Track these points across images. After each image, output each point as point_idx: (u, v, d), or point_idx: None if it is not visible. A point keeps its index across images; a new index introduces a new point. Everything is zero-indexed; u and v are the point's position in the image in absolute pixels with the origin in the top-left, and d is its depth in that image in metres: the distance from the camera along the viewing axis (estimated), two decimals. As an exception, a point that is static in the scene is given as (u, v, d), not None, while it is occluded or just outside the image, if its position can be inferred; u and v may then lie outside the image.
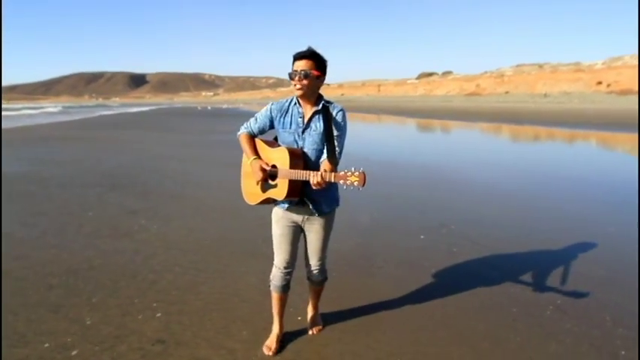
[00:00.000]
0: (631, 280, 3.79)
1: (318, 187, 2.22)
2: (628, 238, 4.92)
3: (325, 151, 2.37)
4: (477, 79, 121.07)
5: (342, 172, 2.15)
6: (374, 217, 5.84)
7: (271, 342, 2.73)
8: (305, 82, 2.34)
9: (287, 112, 2.50)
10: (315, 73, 2.37)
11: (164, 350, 2.70)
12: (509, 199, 7.06)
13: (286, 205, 2.56)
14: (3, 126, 22.54)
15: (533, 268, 4.07)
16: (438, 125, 27.94)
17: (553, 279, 3.81)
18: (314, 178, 2.21)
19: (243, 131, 2.61)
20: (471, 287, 3.64)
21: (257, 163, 2.47)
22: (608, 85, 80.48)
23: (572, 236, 4.97)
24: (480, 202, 6.71)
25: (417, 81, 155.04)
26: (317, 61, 2.38)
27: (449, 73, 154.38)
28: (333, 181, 2.18)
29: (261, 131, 2.61)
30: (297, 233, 2.64)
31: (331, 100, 2.48)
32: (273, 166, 2.47)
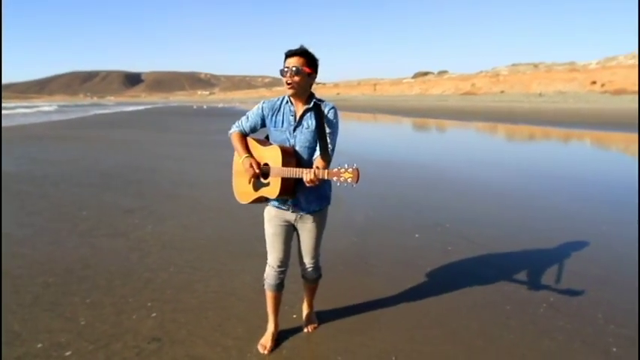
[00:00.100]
0: (623, 278, 3.83)
1: (312, 184, 2.22)
2: (621, 237, 4.96)
3: (318, 148, 2.38)
4: (473, 79, 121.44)
5: (336, 169, 2.15)
6: (369, 215, 5.86)
7: (266, 340, 2.74)
8: (296, 78, 2.36)
9: (279, 110, 2.51)
10: (307, 70, 2.38)
11: (159, 348, 2.71)
12: (503, 198, 7.10)
13: (278, 204, 2.57)
14: (-3, 125, 22.40)
15: (528, 266, 4.10)
16: (434, 124, 28.00)
17: (547, 277, 3.84)
18: (307, 175, 2.21)
19: (234, 130, 2.62)
20: (466, 285, 3.66)
21: (248, 161, 2.47)
22: (603, 85, 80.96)
23: (567, 235, 5.01)
24: (475, 201, 6.74)
25: (412, 80, 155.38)
26: (308, 59, 2.39)
27: (444, 72, 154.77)
28: (326, 177, 2.19)
29: (253, 130, 2.61)
30: (290, 232, 2.65)
31: (323, 98, 2.50)
32: (265, 165, 2.47)
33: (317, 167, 2.25)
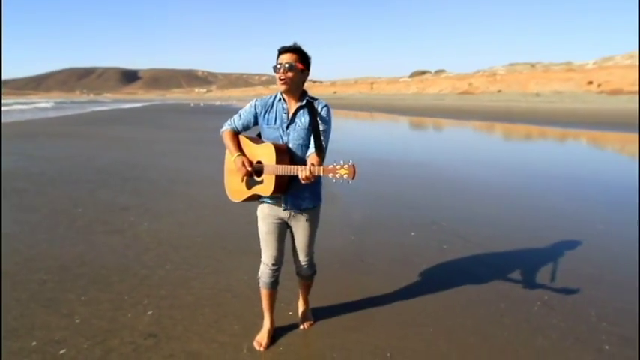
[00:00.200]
0: (618, 277, 3.86)
1: (307, 181, 2.20)
2: (616, 237, 5.00)
3: (312, 146, 2.39)
4: (470, 78, 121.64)
5: (332, 166, 2.12)
6: (366, 214, 5.88)
7: (262, 337, 2.75)
8: (290, 74, 2.37)
9: (271, 108, 2.52)
10: (300, 66, 2.39)
11: (155, 344, 2.72)
12: (500, 197, 7.13)
13: (272, 202, 2.57)
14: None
15: (523, 264, 4.12)
16: (431, 123, 28.04)
17: (541, 275, 3.87)
18: (302, 172, 2.19)
19: (226, 128, 2.62)
20: (461, 283, 3.69)
21: (240, 160, 2.47)
22: (599, 85, 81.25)
23: (561, 234, 5.04)
24: (471, 200, 6.77)
25: (409, 79, 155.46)
26: (301, 55, 2.41)
27: (442, 71, 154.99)
28: (322, 174, 2.16)
29: (245, 128, 2.61)
30: (284, 230, 2.65)
31: (318, 96, 2.51)
32: (259, 162, 2.46)
33: (312, 164, 2.24)
